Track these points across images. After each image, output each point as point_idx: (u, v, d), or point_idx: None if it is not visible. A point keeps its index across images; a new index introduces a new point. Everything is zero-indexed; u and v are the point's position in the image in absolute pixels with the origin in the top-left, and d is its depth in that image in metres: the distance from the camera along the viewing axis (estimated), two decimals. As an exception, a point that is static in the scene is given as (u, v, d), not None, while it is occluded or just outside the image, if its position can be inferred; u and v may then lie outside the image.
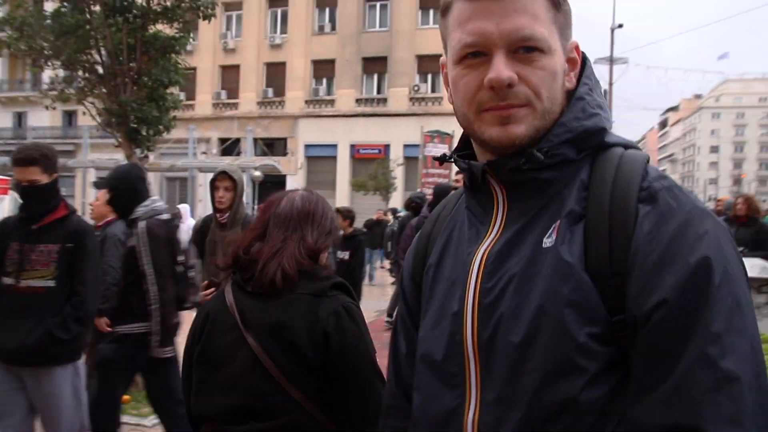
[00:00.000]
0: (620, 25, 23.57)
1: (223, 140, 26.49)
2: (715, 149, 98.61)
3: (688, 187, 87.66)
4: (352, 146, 25.40)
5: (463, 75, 0.86)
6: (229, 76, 27.25)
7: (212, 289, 2.92)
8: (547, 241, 0.83)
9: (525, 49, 0.83)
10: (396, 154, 23.65)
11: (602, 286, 0.78)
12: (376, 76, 25.75)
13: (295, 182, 24.94)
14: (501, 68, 0.81)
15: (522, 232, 0.86)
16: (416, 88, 24.50)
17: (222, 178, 3.55)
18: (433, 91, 24.93)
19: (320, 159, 26.07)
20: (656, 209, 0.78)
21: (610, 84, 23.54)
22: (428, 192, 13.59)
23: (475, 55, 0.84)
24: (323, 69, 26.22)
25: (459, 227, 0.98)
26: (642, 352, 0.74)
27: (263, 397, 1.41)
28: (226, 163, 18.64)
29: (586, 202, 0.83)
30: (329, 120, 25.55)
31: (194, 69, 21.05)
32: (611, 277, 0.78)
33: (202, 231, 3.70)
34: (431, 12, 24.92)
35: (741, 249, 5.45)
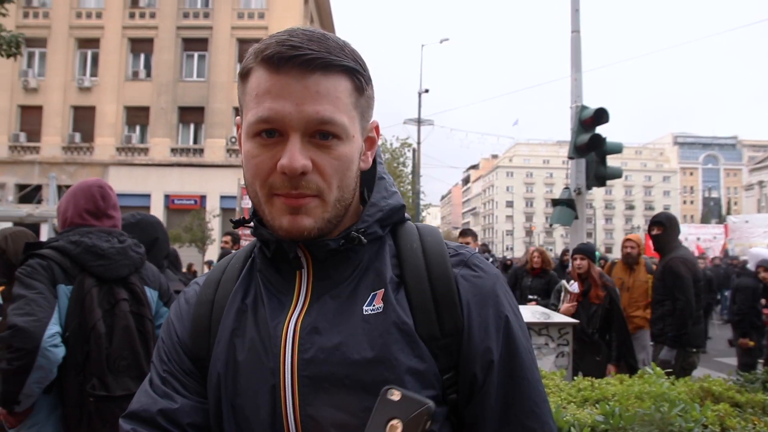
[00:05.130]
0: (426, 90, 28.65)
1: (21, 186, 27.47)
2: (510, 204, 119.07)
3: (488, 238, 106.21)
4: (167, 196, 27.79)
5: (256, 154, 0.93)
6: (30, 117, 28.61)
7: None
8: (369, 309, 0.96)
9: (322, 135, 0.91)
10: (212, 206, 26.46)
11: (432, 347, 0.95)
12: (192, 126, 28.73)
13: (102, 233, 25.97)
14: (295, 155, 0.89)
15: (334, 301, 0.97)
16: (233, 139, 27.77)
17: None
18: (250, 143, 27.88)
19: (132, 209, 27.08)
20: (473, 273, 1.01)
21: (419, 143, 28.47)
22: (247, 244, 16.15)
23: (270, 133, 0.91)
24: (137, 116, 28.64)
25: (254, 295, 1.04)
26: (481, 407, 0.96)
27: None
28: (25, 211, 19.93)
29: (399, 270, 1.00)
30: (142, 168, 27.82)
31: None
32: (442, 338, 0.95)
33: None
34: (250, 66, 28.08)
35: (534, 297, 7.28)
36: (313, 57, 0.91)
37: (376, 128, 1.07)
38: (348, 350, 0.93)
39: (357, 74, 0.96)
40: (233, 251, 6.59)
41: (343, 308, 0.97)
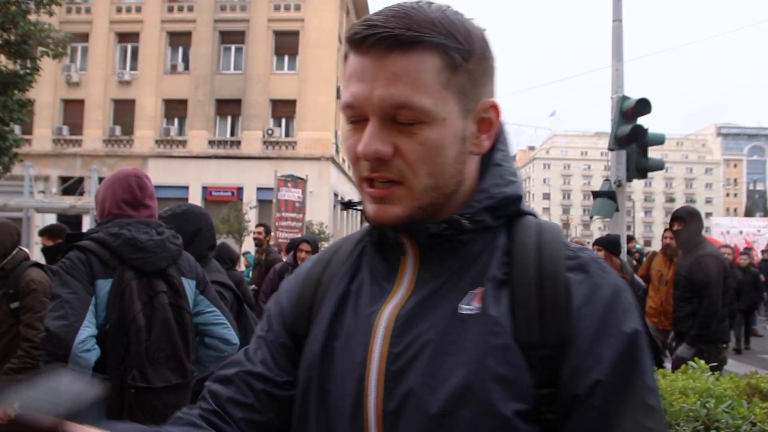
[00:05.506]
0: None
1: (64, 179, 28.07)
2: (547, 196, 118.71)
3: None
4: (204, 188, 28.13)
5: (348, 137, 0.91)
6: (73, 111, 29.22)
7: None
8: (466, 308, 0.87)
9: (404, 119, 0.86)
10: (249, 197, 26.60)
11: (530, 357, 0.84)
12: (229, 119, 29.05)
13: (142, 224, 26.49)
14: (369, 140, 0.86)
15: (434, 295, 0.90)
16: (270, 131, 27.98)
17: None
18: (286, 135, 28.78)
19: (170, 201, 27.26)
20: (589, 279, 0.88)
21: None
22: (284, 235, 16.26)
23: (356, 118, 0.89)
24: (175, 109, 29.08)
25: (359, 280, 1.00)
26: (580, 428, 0.83)
27: None
28: (68, 203, 20.41)
29: (508, 269, 0.90)
30: (180, 161, 28.21)
31: (32, 101, 21.44)
32: (542, 347, 0.84)
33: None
34: (286, 58, 28.89)
35: None
36: (387, 35, 0.85)
37: (494, 107, 0.94)
38: (437, 350, 0.86)
39: (449, 49, 0.87)
40: (266, 242, 6.57)
41: (439, 303, 0.90)
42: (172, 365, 2.53)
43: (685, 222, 5.69)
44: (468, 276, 0.91)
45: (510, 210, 0.97)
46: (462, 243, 0.93)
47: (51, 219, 24.21)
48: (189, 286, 2.74)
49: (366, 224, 1.03)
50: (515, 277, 0.89)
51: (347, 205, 1.08)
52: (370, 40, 0.85)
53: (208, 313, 2.78)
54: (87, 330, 2.34)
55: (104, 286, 2.48)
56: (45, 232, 5.89)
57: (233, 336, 2.80)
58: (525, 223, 0.96)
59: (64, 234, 5.62)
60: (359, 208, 0.99)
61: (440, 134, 0.88)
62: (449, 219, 0.91)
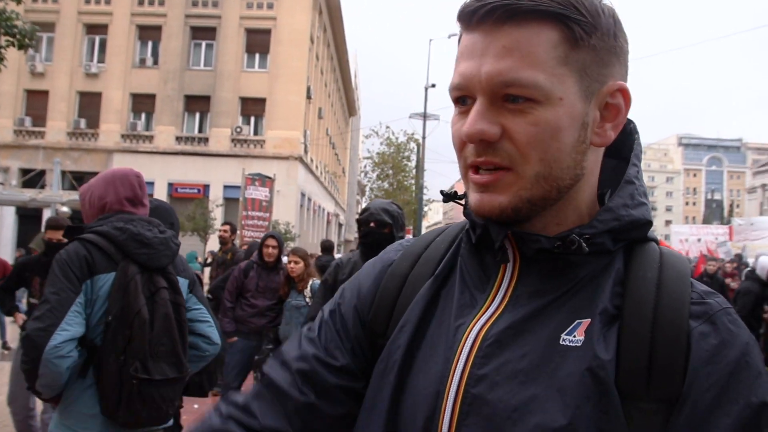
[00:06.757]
0: (434, 85, 28.49)
1: (25, 171, 27.49)
2: None
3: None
4: (170, 184, 27.83)
5: (454, 123, 0.83)
6: (36, 101, 28.65)
7: None
8: (568, 339, 0.77)
9: (513, 98, 0.77)
10: (216, 195, 26.49)
11: (629, 407, 0.73)
12: (198, 115, 28.80)
13: (106, 219, 26.04)
14: (474, 119, 0.77)
15: (532, 318, 0.80)
16: (238, 129, 27.83)
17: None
18: (255, 133, 28.65)
19: None
20: (717, 333, 0.75)
21: (424, 138, 28.32)
22: (249, 234, 16.12)
23: (464, 100, 0.81)
24: (142, 103, 28.68)
25: (450, 283, 0.91)
26: None
27: None
28: (29, 196, 19.93)
29: (621, 302, 0.79)
30: (147, 156, 27.86)
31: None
32: (646, 401, 0.73)
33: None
34: (257, 56, 28.72)
35: None
36: (498, 5, 0.76)
37: (623, 91, 0.83)
38: (527, 382, 0.77)
39: (569, 20, 0.76)
40: (231, 241, 6.46)
41: (536, 328, 0.80)
42: (171, 360, 2.59)
43: None
44: (572, 302, 0.81)
45: (634, 235, 0.85)
46: (571, 263, 0.82)
47: (10, 212, 23.68)
48: (183, 284, 2.81)
49: (464, 219, 0.94)
50: (627, 314, 0.78)
51: (449, 197, 0.94)
52: (480, 12, 0.77)
53: (195, 310, 2.86)
54: (64, 333, 2.33)
55: (105, 280, 2.51)
56: (51, 227, 5.90)
57: (215, 335, 2.88)
58: (646, 252, 0.84)
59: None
60: (461, 201, 0.91)
61: (555, 115, 0.77)
62: (565, 236, 0.80)
